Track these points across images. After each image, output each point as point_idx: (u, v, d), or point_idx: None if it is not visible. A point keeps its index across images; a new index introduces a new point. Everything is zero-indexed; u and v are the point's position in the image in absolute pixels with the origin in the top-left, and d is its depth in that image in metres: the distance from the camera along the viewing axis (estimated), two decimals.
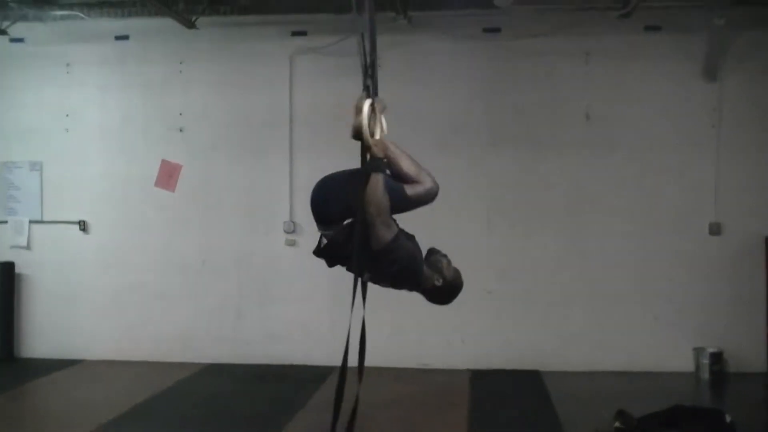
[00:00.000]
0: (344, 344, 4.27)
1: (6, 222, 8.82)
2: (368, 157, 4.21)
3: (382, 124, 4.40)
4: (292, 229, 8.32)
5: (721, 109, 7.95)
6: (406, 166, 4.43)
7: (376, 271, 4.27)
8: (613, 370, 7.92)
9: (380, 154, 4.22)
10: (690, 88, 7.97)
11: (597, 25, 7.96)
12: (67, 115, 8.73)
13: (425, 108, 8.22)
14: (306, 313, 8.31)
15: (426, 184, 4.47)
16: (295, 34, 8.37)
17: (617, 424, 5.90)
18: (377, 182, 4.11)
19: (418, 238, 4.41)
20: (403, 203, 4.31)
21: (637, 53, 8.03)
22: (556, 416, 6.40)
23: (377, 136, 4.32)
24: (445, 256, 4.38)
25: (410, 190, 4.37)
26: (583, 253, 8.08)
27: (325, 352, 8.25)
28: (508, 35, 8.09)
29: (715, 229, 7.94)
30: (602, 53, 8.06)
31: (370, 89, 4.37)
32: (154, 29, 8.50)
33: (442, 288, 4.36)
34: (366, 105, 4.21)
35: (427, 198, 4.45)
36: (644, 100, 8.04)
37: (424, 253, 4.36)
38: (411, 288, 4.46)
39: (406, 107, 8.14)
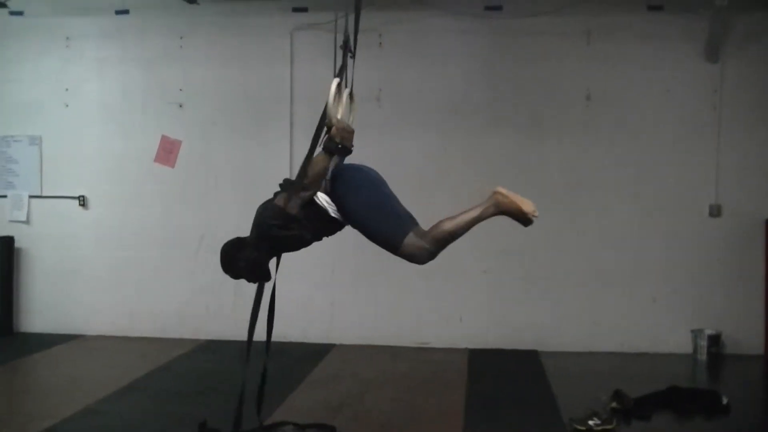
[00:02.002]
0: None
1: (5, 196, 8.81)
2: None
3: (350, 107, 4.42)
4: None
5: (723, 91, 7.91)
6: (449, 224, 4.34)
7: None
8: (611, 351, 7.94)
9: (337, 138, 4.22)
10: (691, 69, 7.93)
11: (599, 4, 7.91)
12: (67, 90, 8.70)
13: (425, 86, 8.20)
14: (304, 291, 8.31)
15: (426, 247, 4.31)
16: (296, 9, 8.32)
17: (614, 404, 5.92)
18: (321, 160, 4.20)
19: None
20: (381, 235, 4.31)
21: (639, 33, 7.98)
22: (553, 396, 6.41)
23: (340, 117, 4.33)
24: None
25: (414, 238, 4.28)
26: (582, 233, 8.08)
27: (322, 330, 8.29)
28: (510, 13, 8.03)
29: (715, 211, 7.93)
30: (604, 33, 8.01)
31: (344, 69, 4.40)
32: (155, 3, 8.47)
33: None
34: (333, 84, 4.23)
35: (411, 256, 4.34)
36: (645, 80, 8.00)
37: None
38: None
39: (406, 85, 8.14)
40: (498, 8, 8.06)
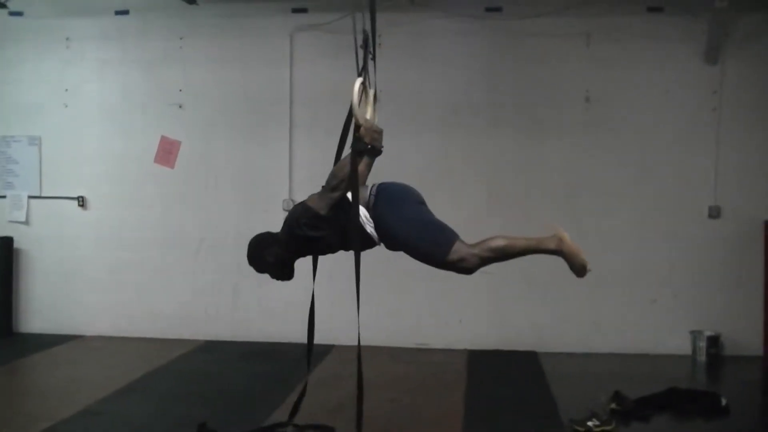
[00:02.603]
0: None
1: (4, 197, 8.81)
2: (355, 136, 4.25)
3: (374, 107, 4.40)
4: (291, 207, 8.31)
5: (722, 93, 7.91)
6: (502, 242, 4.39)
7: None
8: (610, 352, 7.94)
9: (366, 138, 4.20)
10: (691, 71, 7.93)
11: (599, 6, 7.92)
12: (67, 90, 8.70)
13: (425, 87, 8.20)
14: (303, 292, 8.28)
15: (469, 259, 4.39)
16: (295, 10, 8.32)
17: (613, 405, 5.93)
18: (349, 160, 4.14)
19: None
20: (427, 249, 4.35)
21: (639, 34, 7.98)
22: (552, 397, 6.42)
23: (368, 117, 4.32)
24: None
25: (462, 245, 4.35)
26: (582, 234, 8.02)
27: (321, 330, 8.26)
28: (510, 15, 8.04)
29: (715, 213, 7.93)
30: (604, 34, 8.01)
31: (365, 70, 4.37)
32: (155, 4, 8.47)
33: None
34: (356, 84, 4.21)
35: (460, 261, 4.40)
36: (645, 82, 8.00)
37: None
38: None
39: (406, 87, 8.12)
40: (498, 9, 8.06)
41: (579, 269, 4.40)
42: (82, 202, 8.70)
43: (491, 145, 8.15)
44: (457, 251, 4.27)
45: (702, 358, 7.76)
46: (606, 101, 8.03)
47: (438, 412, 6.10)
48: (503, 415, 5.99)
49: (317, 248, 4.50)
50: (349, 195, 4.20)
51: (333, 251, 4.53)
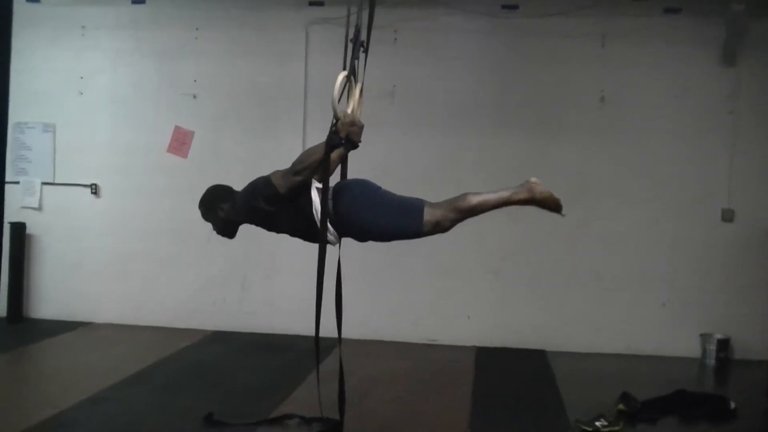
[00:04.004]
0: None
1: (18, 183, 8.83)
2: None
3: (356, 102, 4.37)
4: None
5: (738, 95, 7.86)
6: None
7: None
8: (619, 353, 7.92)
9: (341, 132, 4.20)
10: (707, 73, 7.89)
11: (615, 6, 7.88)
12: (81, 78, 8.72)
13: (437, 84, 8.18)
14: (311, 285, 8.28)
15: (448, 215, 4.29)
16: (311, 4, 8.32)
17: (621, 406, 5.91)
18: (321, 149, 4.20)
19: None
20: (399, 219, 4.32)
21: (655, 36, 7.94)
22: (560, 397, 6.40)
23: (349, 111, 4.31)
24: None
25: (432, 210, 4.28)
26: (593, 236, 8.05)
27: (328, 324, 8.27)
28: (526, 13, 8.01)
29: (728, 216, 7.90)
30: (619, 35, 7.97)
31: (352, 63, 4.37)
32: None
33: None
34: (339, 77, 4.20)
35: (436, 226, 4.31)
36: (660, 83, 7.96)
37: None
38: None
39: (419, 83, 8.11)
40: (514, 7, 8.04)
41: (555, 209, 4.49)
42: (95, 189, 8.72)
43: (502, 145, 8.12)
44: (430, 219, 4.24)
45: (711, 361, 7.73)
46: (620, 103, 8.00)
47: (445, 409, 6.09)
48: (510, 413, 5.98)
49: (265, 222, 4.51)
50: (314, 189, 4.31)
51: (278, 231, 4.55)
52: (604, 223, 7.97)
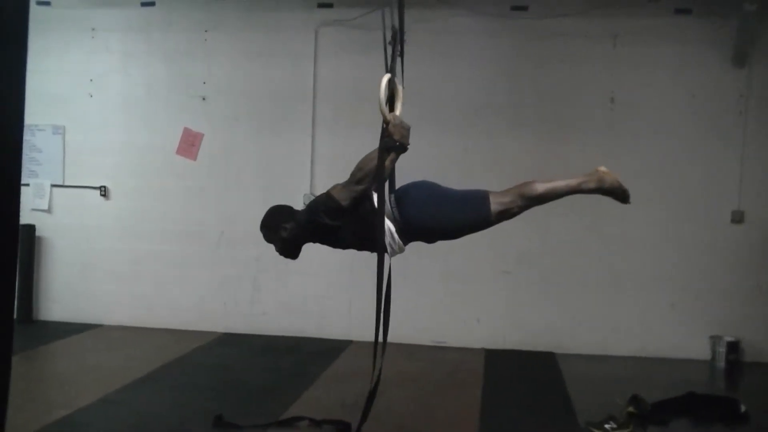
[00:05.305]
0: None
1: (28, 185, 8.85)
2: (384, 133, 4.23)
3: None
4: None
5: (749, 96, 7.84)
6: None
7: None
8: (629, 355, 7.90)
9: (396, 135, 4.18)
10: (718, 74, 7.86)
11: (626, 7, 7.87)
12: (91, 80, 8.74)
13: (448, 85, 8.18)
14: (322, 287, 8.32)
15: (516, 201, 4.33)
16: (321, 5, 8.32)
17: (630, 408, 5.89)
18: (376, 155, 4.16)
19: None
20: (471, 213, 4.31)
21: (666, 37, 7.92)
22: (569, 399, 6.39)
23: (397, 113, 4.31)
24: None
25: (498, 198, 4.31)
26: (603, 237, 8.03)
27: (340, 326, 8.28)
28: (536, 14, 7.99)
29: (738, 218, 7.87)
30: (630, 36, 7.95)
31: (393, 66, 4.36)
32: None
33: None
34: (383, 80, 4.19)
35: (504, 213, 4.33)
36: (671, 84, 7.94)
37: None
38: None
39: (429, 84, 8.09)
40: (524, 8, 8.03)
41: (623, 198, 4.61)
42: (104, 191, 8.74)
43: (512, 146, 8.12)
44: (497, 207, 4.27)
45: (721, 363, 7.71)
46: (631, 103, 7.97)
47: (454, 411, 6.09)
48: (520, 415, 5.97)
49: (329, 239, 4.46)
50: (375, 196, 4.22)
51: (343, 247, 4.52)
52: (613, 223, 7.94)
